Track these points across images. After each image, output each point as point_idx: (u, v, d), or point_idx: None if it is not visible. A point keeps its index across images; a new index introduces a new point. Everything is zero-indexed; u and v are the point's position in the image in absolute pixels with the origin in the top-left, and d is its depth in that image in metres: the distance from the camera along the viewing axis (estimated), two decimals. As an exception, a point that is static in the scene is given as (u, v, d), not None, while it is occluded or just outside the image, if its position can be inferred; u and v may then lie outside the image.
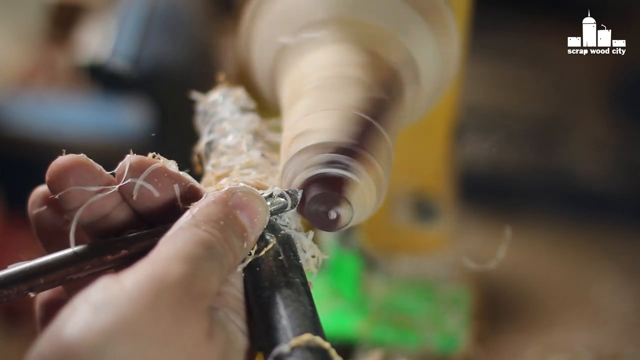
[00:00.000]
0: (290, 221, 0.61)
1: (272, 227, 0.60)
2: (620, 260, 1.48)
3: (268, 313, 0.54)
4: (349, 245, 1.13)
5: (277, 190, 0.61)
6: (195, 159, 0.70)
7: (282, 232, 0.60)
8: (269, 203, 0.59)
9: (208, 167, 0.66)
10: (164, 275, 0.51)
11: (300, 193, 0.62)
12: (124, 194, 0.60)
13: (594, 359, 0.88)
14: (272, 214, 0.60)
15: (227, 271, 0.56)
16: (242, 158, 0.65)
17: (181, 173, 0.60)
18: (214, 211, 0.56)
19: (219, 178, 0.64)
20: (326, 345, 0.52)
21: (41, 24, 1.74)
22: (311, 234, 0.62)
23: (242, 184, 0.60)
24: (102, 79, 1.48)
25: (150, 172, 0.59)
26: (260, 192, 0.60)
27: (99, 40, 1.51)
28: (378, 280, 1.15)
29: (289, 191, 0.61)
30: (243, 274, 0.57)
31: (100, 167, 0.60)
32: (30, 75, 1.69)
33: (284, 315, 0.53)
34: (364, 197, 0.63)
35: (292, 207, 0.61)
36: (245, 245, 0.57)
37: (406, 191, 1.15)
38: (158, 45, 1.52)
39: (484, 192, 1.57)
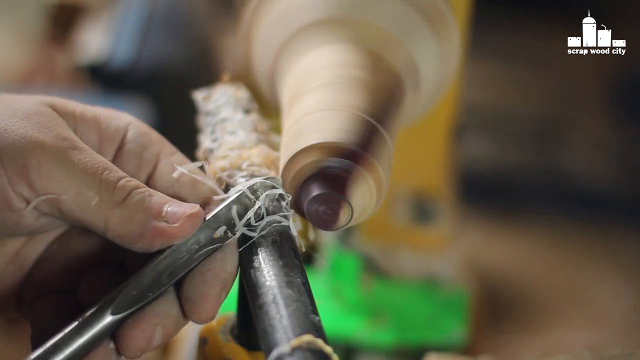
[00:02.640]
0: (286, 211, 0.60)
1: (271, 225, 0.59)
2: (620, 260, 1.48)
3: (268, 313, 0.54)
4: (349, 245, 1.13)
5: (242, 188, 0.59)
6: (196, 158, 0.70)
7: (282, 230, 0.60)
8: (260, 200, 0.59)
9: (209, 167, 0.66)
10: None
11: (280, 180, 0.61)
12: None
13: (594, 359, 0.88)
14: (268, 212, 0.59)
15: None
16: (244, 157, 0.65)
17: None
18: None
19: (220, 178, 0.64)
20: (326, 345, 0.52)
21: (41, 24, 1.74)
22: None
23: (239, 180, 0.60)
24: (102, 79, 1.48)
25: None
26: (234, 191, 0.59)
27: (99, 40, 1.51)
28: (378, 280, 1.15)
29: (255, 185, 0.60)
30: (243, 274, 0.57)
31: None
32: (30, 75, 1.68)
33: (284, 315, 0.53)
34: (364, 197, 0.63)
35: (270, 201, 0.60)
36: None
37: (406, 191, 1.15)
38: (158, 45, 1.52)
39: (484, 192, 1.57)
